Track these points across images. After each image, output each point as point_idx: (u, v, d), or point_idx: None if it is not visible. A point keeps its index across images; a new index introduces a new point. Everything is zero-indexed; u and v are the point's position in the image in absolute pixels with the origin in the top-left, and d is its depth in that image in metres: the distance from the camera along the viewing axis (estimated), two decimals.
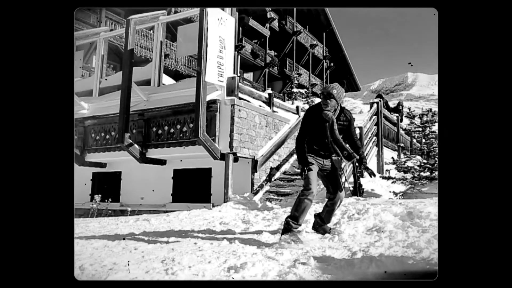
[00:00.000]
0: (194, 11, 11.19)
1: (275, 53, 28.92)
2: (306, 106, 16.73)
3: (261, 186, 9.07)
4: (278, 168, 9.84)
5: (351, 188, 7.54)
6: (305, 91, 21.64)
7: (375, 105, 11.24)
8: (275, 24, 27.61)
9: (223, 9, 8.97)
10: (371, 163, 9.68)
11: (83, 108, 10.44)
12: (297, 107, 12.17)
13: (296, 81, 23.92)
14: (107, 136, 9.90)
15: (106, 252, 3.73)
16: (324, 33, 32.41)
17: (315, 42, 31.38)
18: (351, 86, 36.64)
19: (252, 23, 25.30)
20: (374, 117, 11.08)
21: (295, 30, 29.00)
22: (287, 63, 29.05)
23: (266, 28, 26.66)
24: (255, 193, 8.71)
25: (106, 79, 11.57)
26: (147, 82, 10.88)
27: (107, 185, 10.21)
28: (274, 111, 10.37)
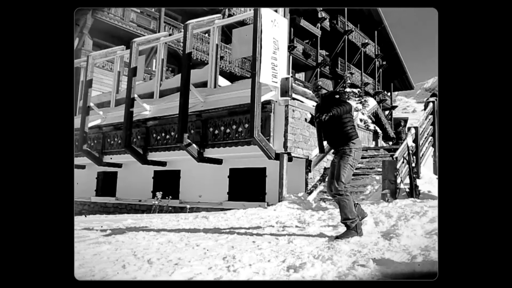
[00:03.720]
0: (248, 14, 11.30)
1: (327, 53, 28.61)
2: (360, 106, 16.41)
3: (315, 186, 9.03)
4: None
5: (407, 190, 7.33)
6: (358, 91, 21.25)
7: (430, 104, 10.85)
8: (326, 23, 27.32)
9: (276, 11, 9.01)
10: (427, 164, 9.36)
11: (145, 109, 10.83)
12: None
13: (349, 81, 23.54)
14: (167, 136, 10.22)
15: (171, 248, 3.86)
16: (376, 31, 31.64)
17: (367, 41, 30.73)
18: (404, 84, 35.54)
19: (304, 23, 25.19)
20: (430, 116, 10.69)
21: (346, 29, 28.55)
22: (339, 62, 28.66)
23: (317, 28, 26.44)
24: (309, 193, 8.68)
25: (160, 84, 12.00)
26: (204, 84, 11.11)
27: (167, 183, 10.54)
28: None
